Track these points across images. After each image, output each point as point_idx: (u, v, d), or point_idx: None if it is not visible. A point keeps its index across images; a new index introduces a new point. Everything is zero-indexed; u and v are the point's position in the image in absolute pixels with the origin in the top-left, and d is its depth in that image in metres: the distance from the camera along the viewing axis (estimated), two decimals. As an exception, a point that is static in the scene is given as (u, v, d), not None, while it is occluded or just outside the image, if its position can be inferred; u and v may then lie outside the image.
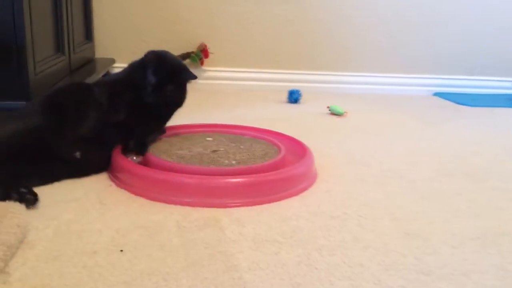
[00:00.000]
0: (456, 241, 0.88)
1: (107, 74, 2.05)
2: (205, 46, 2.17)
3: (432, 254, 0.83)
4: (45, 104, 1.08)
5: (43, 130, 1.02)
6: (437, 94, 2.41)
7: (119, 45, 2.16)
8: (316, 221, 0.93)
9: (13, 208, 0.79)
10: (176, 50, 2.16)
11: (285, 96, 2.05)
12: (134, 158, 1.11)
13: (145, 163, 1.10)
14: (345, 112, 1.85)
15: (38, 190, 0.99)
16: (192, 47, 2.18)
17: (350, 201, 1.04)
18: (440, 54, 2.43)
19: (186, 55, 2.14)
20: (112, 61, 2.10)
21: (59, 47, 1.54)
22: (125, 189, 1.02)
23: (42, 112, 1.05)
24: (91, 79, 1.67)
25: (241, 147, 1.22)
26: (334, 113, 1.85)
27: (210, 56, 2.18)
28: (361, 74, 2.38)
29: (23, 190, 0.90)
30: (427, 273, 0.77)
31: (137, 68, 1.15)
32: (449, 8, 2.37)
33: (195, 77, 1.19)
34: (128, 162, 1.07)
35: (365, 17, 2.31)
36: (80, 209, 0.92)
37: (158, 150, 1.16)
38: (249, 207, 0.97)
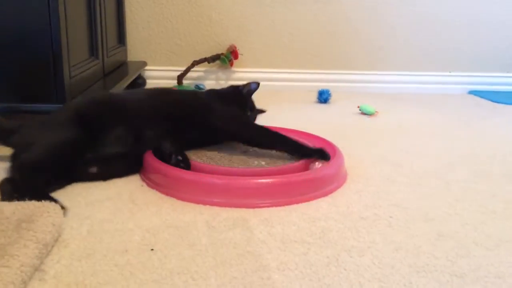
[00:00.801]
0: (490, 243, 0.86)
1: (139, 77, 2.09)
2: (235, 47, 2.18)
3: (466, 256, 0.81)
4: (72, 120, 1.07)
5: (69, 144, 1.03)
6: (472, 92, 2.34)
7: (151, 48, 2.20)
8: (346, 222, 0.92)
9: (49, 208, 0.82)
10: (206, 52, 2.19)
11: (314, 96, 2.04)
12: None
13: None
14: (376, 111, 1.83)
15: (73, 189, 1.02)
16: (222, 49, 2.20)
17: (381, 202, 1.02)
18: (475, 51, 2.36)
19: (216, 57, 2.16)
20: (144, 64, 2.14)
21: (93, 51, 1.58)
22: (156, 189, 1.04)
23: (69, 126, 1.05)
24: (123, 82, 1.70)
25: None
26: (364, 113, 1.83)
27: (240, 57, 2.19)
28: (392, 73, 2.34)
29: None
30: (460, 275, 0.75)
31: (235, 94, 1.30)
32: (483, 5, 2.30)
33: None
34: (159, 163, 1.08)
35: (396, 15, 2.27)
36: (112, 208, 0.94)
37: (188, 151, 1.17)
38: (278, 208, 0.97)
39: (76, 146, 1.03)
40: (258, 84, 1.34)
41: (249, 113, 1.32)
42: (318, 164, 1.12)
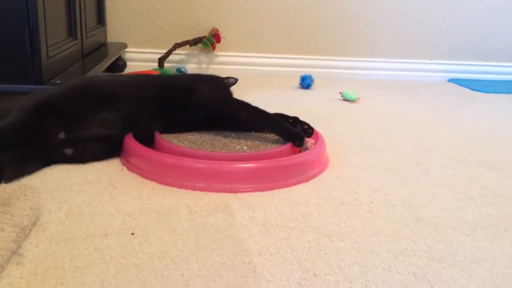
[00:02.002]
0: (468, 229, 0.88)
1: (120, 59, 2.06)
2: (217, 30, 2.15)
3: (444, 241, 0.82)
4: (41, 105, 1.03)
5: (33, 127, 1.00)
6: (452, 80, 2.37)
7: (131, 29, 2.16)
8: (327, 207, 0.93)
9: (26, 191, 0.80)
10: (188, 34, 2.16)
11: (297, 81, 2.04)
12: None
13: (157, 148, 1.10)
14: (357, 98, 1.83)
15: (51, 172, 1.00)
16: (204, 32, 2.17)
17: (361, 188, 1.03)
18: (455, 40, 2.39)
19: (198, 40, 2.13)
20: (124, 45, 2.10)
21: (71, 32, 1.54)
22: (137, 173, 1.03)
23: (34, 110, 1.01)
24: (103, 64, 1.67)
25: (253, 132, 1.21)
26: (346, 99, 1.84)
27: (222, 41, 2.17)
28: (374, 60, 2.35)
29: None
30: (438, 260, 0.76)
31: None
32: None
33: None
34: (140, 147, 1.07)
35: (379, 2, 2.27)
36: (92, 192, 0.93)
37: (170, 135, 1.16)
38: (260, 193, 0.97)
39: (22, 132, 0.99)
40: (236, 80, 1.36)
41: None
42: (310, 145, 1.13)
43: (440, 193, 1.03)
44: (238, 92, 1.39)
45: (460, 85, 2.28)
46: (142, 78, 1.23)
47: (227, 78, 1.35)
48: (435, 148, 1.34)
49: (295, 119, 1.22)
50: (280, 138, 1.16)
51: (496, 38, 2.41)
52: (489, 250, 0.81)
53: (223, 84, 1.33)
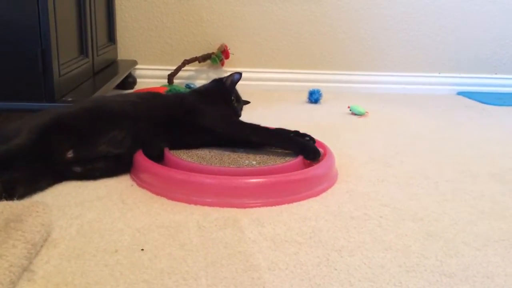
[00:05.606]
0: (479, 243, 0.87)
1: (130, 76, 2.08)
2: (226, 47, 2.18)
3: (455, 256, 0.82)
4: (50, 125, 1.04)
5: (42, 147, 1.00)
6: (460, 93, 2.37)
7: (141, 47, 2.19)
8: (336, 221, 0.93)
9: (38, 207, 0.81)
10: (197, 51, 2.18)
11: (305, 96, 2.05)
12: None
13: (166, 164, 1.11)
14: (366, 112, 1.83)
15: (62, 189, 1.01)
16: (212, 48, 2.20)
17: (371, 202, 1.03)
18: (464, 53, 2.38)
19: (207, 56, 2.16)
20: (134, 62, 2.13)
21: (82, 50, 1.57)
22: (147, 189, 1.04)
23: (43, 129, 1.02)
24: (113, 81, 1.69)
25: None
26: (355, 113, 1.84)
27: (231, 56, 2.19)
28: (382, 74, 2.36)
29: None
30: (449, 275, 0.76)
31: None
32: (472, 7, 2.32)
33: None
34: (149, 163, 1.08)
35: (387, 16, 2.29)
36: (102, 208, 0.94)
37: (179, 151, 1.17)
38: (269, 208, 0.97)
39: (32, 152, 0.99)
40: (240, 74, 1.36)
41: (235, 104, 1.31)
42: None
43: (451, 207, 1.03)
44: (247, 107, 1.40)
45: (469, 98, 2.27)
46: (151, 98, 1.24)
47: (231, 75, 1.35)
48: (445, 161, 1.33)
49: (296, 133, 1.23)
50: (289, 153, 1.16)
51: (504, 50, 2.40)
52: (501, 264, 0.80)
53: (225, 93, 1.31)
